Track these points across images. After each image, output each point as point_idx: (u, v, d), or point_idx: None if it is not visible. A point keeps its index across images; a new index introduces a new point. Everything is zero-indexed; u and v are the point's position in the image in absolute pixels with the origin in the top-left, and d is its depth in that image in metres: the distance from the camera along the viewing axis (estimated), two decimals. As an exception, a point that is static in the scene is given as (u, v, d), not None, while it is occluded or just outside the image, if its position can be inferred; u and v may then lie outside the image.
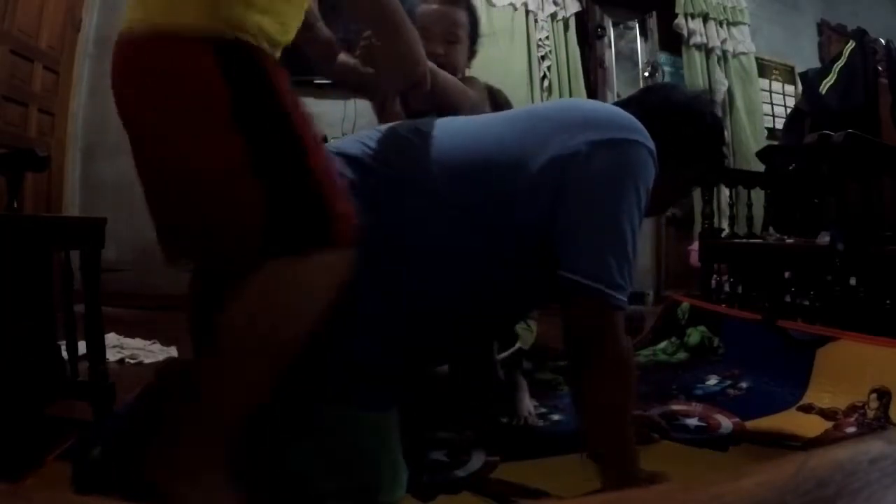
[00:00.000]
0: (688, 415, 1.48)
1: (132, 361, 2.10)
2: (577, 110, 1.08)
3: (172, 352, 2.15)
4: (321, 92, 3.09)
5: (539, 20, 3.89)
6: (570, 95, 3.91)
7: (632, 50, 4.36)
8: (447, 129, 1.04)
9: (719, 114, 3.57)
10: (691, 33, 4.21)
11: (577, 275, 0.85)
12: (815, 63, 4.29)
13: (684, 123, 1.14)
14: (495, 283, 0.98)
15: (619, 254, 0.86)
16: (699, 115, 1.18)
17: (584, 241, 0.87)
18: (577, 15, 4.04)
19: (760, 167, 3.07)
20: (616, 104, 1.20)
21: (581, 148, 0.94)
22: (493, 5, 3.77)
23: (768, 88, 4.60)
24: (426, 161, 0.98)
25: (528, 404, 1.50)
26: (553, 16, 3.94)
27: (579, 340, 0.90)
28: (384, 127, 1.08)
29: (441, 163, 0.98)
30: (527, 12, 3.85)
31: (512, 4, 3.82)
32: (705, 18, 4.26)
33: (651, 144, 1.00)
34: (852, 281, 1.76)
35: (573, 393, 1.30)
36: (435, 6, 1.50)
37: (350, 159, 0.99)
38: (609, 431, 0.94)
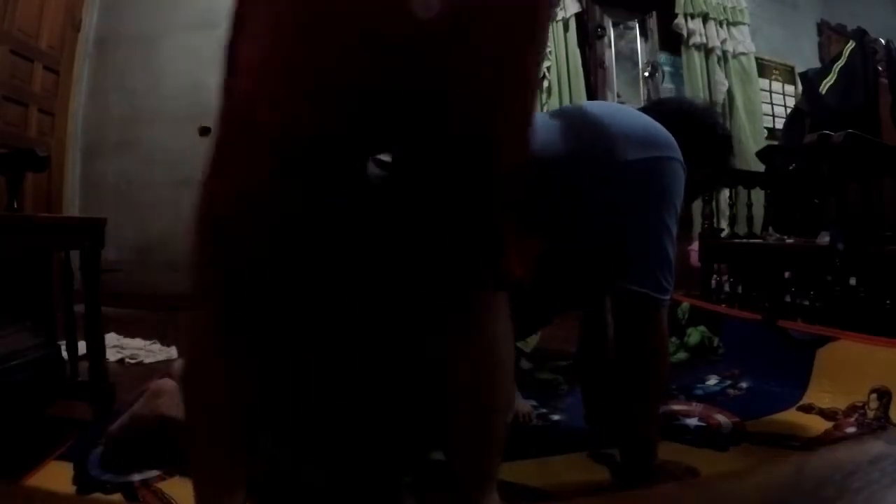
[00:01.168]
0: (688, 415, 1.48)
1: (132, 361, 2.11)
2: (627, 119, 1.13)
3: (172, 352, 2.14)
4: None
5: (539, 20, 3.88)
6: (571, 96, 3.91)
7: (632, 50, 4.36)
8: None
9: (728, 125, 3.61)
10: (691, 33, 4.21)
11: (641, 287, 1.04)
12: (815, 63, 4.28)
13: (697, 132, 1.21)
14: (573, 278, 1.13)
15: (666, 267, 1.05)
16: (711, 125, 1.27)
17: (644, 260, 1.05)
18: (576, 15, 4.04)
19: (760, 167, 3.07)
20: None
21: (643, 164, 1.04)
22: (493, 5, 3.76)
23: (768, 88, 4.59)
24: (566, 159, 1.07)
25: (524, 404, 1.50)
26: (553, 16, 3.93)
27: (634, 329, 1.07)
28: None
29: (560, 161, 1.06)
30: (527, 12, 3.84)
31: (512, 5, 3.81)
32: (705, 18, 4.25)
33: (682, 159, 1.09)
34: (852, 281, 1.76)
35: (588, 387, 1.34)
36: None
37: None
38: (651, 408, 1.11)
